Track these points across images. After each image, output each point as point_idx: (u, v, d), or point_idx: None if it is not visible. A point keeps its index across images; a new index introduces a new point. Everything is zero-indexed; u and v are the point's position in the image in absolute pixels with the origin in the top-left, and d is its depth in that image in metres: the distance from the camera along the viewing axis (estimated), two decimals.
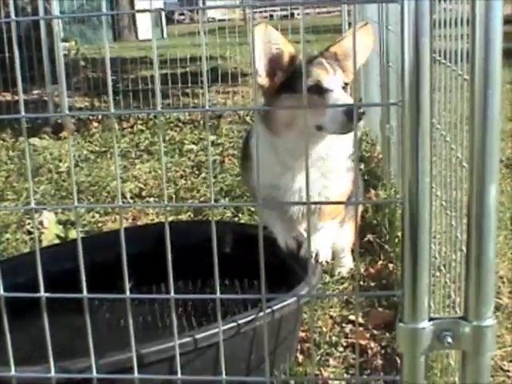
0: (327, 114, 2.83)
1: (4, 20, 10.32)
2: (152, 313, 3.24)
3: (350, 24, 8.60)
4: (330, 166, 3.10)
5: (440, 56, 2.41)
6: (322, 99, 2.90)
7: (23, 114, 1.69)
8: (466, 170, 1.56)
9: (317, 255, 3.13)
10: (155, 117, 8.30)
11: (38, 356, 1.93)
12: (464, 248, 1.61)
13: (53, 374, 1.87)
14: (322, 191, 3.13)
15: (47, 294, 1.80)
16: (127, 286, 1.73)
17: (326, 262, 3.25)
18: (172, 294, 1.72)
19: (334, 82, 2.92)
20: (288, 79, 2.93)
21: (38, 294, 1.80)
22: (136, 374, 1.84)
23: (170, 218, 4.72)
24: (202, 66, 1.62)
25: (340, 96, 2.89)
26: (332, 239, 3.34)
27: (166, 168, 6.21)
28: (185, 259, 3.14)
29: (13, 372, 1.88)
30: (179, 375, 1.83)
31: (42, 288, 1.79)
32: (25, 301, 1.88)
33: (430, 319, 1.58)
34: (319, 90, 2.90)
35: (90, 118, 8.53)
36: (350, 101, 2.89)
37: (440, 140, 2.48)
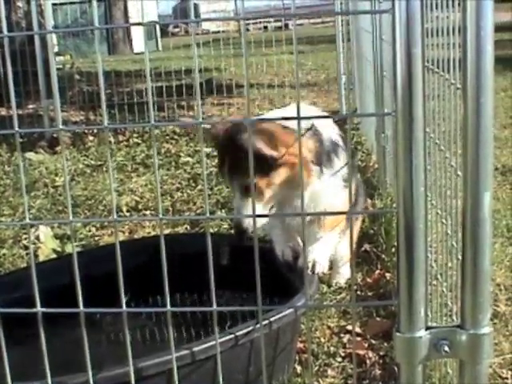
0: None
1: None
2: (154, 326, 3.24)
3: (343, 35, 8.61)
4: (321, 199, 3.13)
5: (433, 65, 2.41)
6: None
7: (17, 128, 1.69)
8: (461, 178, 1.56)
9: (313, 266, 3.13)
10: (150, 130, 8.29)
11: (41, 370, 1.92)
12: (460, 256, 1.61)
13: None
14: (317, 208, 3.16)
15: (43, 309, 1.79)
16: (123, 299, 1.73)
17: (323, 274, 3.25)
18: (168, 306, 1.72)
19: None
20: None
21: (34, 310, 1.80)
22: None
23: (167, 231, 4.72)
24: (195, 79, 1.62)
25: None
26: (330, 251, 3.34)
27: (162, 181, 6.21)
28: (182, 272, 3.14)
29: None
30: None
31: (38, 303, 1.79)
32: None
33: (427, 328, 1.58)
34: None
35: (86, 131, 8.53)
36: None
37: (434, 149, 2.48)
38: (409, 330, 1.57)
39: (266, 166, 2.88)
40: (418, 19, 1.41)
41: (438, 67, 2.37)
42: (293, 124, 2.85)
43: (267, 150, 2.85)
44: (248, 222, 2.91)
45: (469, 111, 1.45)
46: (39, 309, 1.79)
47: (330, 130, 3.20)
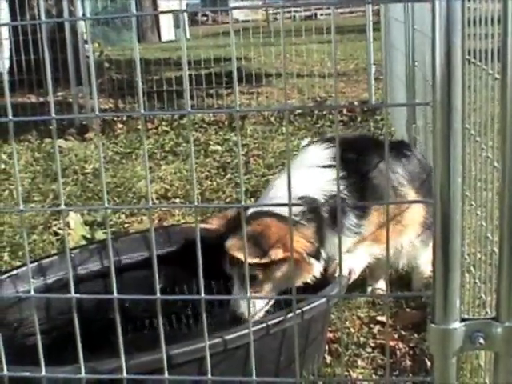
0: None
1: (32, 22, 10.42)
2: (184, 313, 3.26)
3: (374, 24, 8.59)
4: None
5: (469, 55, 2.39)
6: None
7: (53, 115, 1.69)
8: (497, 169, 1.55)
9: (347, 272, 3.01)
10: (181, 118, 8.32)
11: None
12: (495, 248, 1.60)
13: (83, 374, 1.88)
14: None
15: (77, 295, 1.80)
16: (157, 287, 1.73)
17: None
18: (202, 294, 1.72)
19: None
20: None
21: (68, 295, 1.81)
22: (166, 375, 1.84)
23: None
24: (232, 66, 1.62)
25: None
26: (367, 261, 3.20)
27: (191, 169, 6.23)
28: (210, 259, 3.13)
29: (43, 372, 1.89)
30: (209, 376, 1.83)
31: (72, 289, 1.80)
32: None
33: (462, 320, 1.57)
34: None
35: (115, 119, 8.56)
36: None
37: (469, 140, 2.47)
38: (444, 322, 1.56)
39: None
40: (459, 7, 1.39)
41: (474, 57, 2.36)
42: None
43: (263, 256, 2.75)
44: (244, 308, 2.76)
45: (508, 100, 1.44)
46: (73, 295, 1.81)
47: (323, 184, 3.02)
